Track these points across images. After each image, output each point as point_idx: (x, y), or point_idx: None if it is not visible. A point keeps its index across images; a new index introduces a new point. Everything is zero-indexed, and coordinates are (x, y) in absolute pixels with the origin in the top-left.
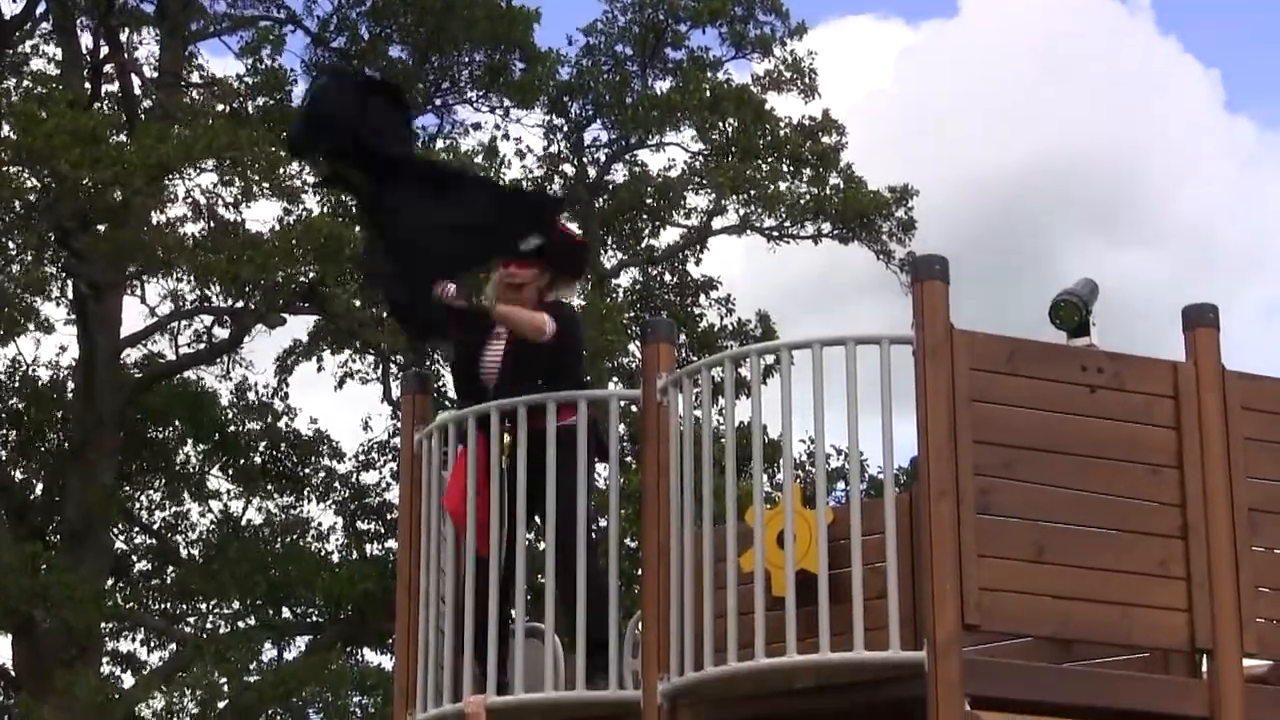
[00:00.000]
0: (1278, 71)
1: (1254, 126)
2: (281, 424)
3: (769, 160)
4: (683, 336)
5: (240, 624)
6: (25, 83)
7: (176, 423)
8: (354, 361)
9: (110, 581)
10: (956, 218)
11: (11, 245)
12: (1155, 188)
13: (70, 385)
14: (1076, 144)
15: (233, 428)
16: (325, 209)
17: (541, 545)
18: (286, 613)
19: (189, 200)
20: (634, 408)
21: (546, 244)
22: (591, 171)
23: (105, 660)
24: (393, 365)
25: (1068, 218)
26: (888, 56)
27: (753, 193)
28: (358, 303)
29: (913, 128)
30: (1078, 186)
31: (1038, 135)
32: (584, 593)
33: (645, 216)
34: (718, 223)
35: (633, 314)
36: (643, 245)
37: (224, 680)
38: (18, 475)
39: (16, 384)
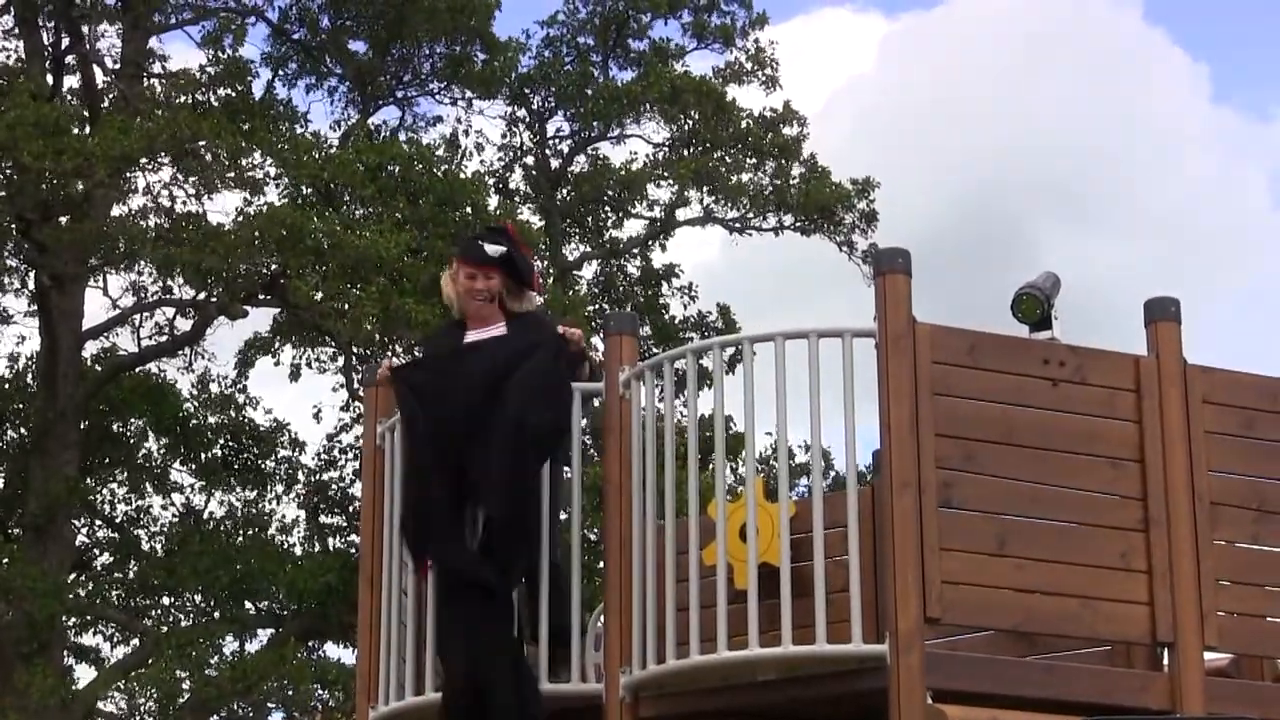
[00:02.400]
0: (1264, 64)
1: (1239, 118)
2: (243, 416)
3: (731, 152)
4: (645, 328)
5: (203, 618)
6: None
7: (138, 416)
8: (313, 349)
9: (72, 575)
10: (936, 208)
11: None
12: (1140, 178)
13: (31, 378)
14: (1061, 134)
15: (195, 421)
16: (286, 200)
17: None
18: (249, 606)
19: (150, 193)
20: (596, 400)
21: (511, 251)
22: (554, 163)
23: (66, 654)
24: (354, 358)
25: (1051, 207)
26: (867, 47)
27: (715, 184)
28: (319, 295)
29: (892, 118)
30: (1061, 176)
31: (1022, 125)
32: (546, 586)
33: (608, 208)
34: (681, 214)
35: (595, 306)
36: (605, 237)
37: (185, 675)
38: None
39: None
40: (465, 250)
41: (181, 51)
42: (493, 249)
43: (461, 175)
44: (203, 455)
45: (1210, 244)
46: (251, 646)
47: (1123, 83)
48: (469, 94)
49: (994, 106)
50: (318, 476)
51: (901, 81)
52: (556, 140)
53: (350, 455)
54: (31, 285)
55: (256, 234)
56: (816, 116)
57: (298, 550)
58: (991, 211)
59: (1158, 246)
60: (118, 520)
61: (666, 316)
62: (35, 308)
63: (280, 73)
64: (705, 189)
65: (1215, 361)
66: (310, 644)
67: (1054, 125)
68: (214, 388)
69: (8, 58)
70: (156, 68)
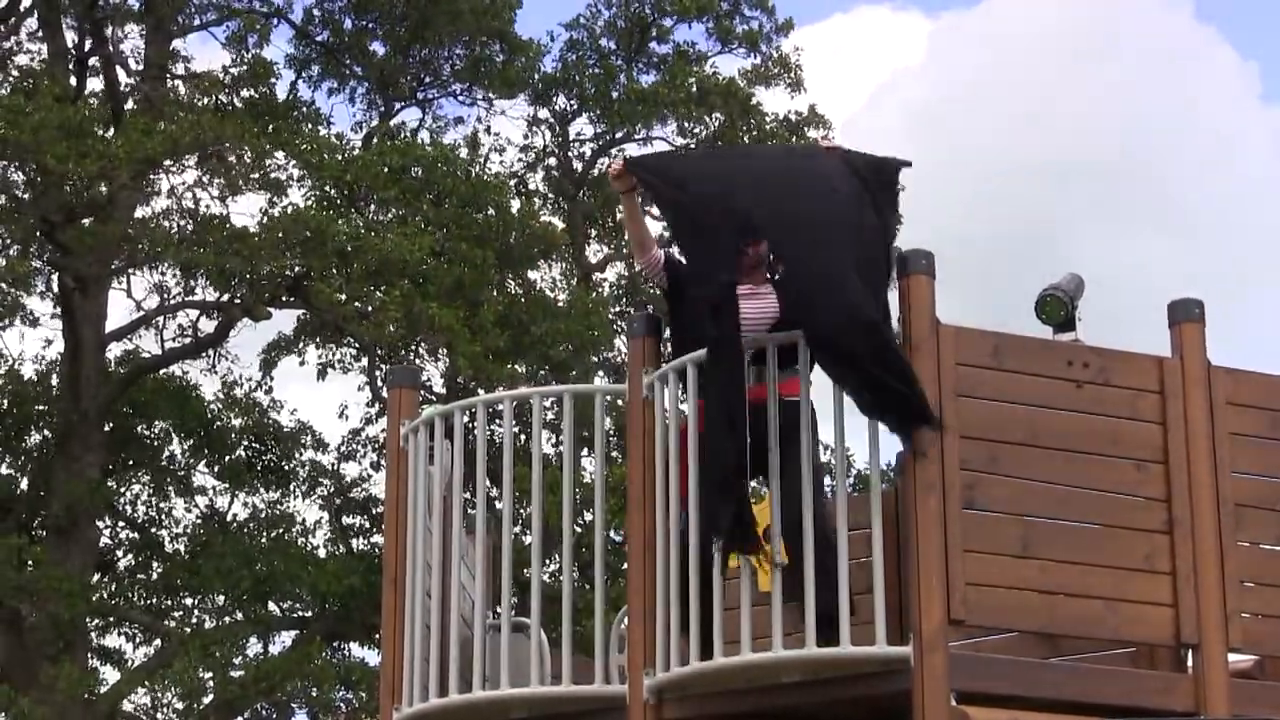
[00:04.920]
0: None
1: None
2: (266, 417)
3: None
4: (668, 330)
5: (225, 619)
6: (11, 76)
7: (162, 418)
8: (336, 352)
9: (95, 576)
10: (977, 204)
11: None
12: (1188, 177)
13: (55, 379)
14: (1109, 132)
15: (218, 422)
16: (310, 201)
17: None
18: (273, 608)
19: (174, 194)
20: (620, 402)
21: None
22: (577, 165)
23: (90, 655)
24: (377, 359)
25: (1095, 206)
26: (906, 45)
27: None
28: (342, 297)
29: (934, 115)
30: (1107, 174)
31: (1068, 123)
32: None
33: None
34: None
35: (618, 309)
36: (628, 239)
37: (208, 675)
38: (2, 469)
39: (1, 378)
40: None
41: (206, 53)
42: None
43: (485, 176)
44: (226, 457)
45: (1262, 243)
46: (275, 648)
47: (1172, 80)
48: (491, 95)
49: (1040, 105)
50: (340, 474)
51: (943, 79)
52: (578, 143)
53: (371, 449)
54: (55, 287)
55: (280, 236)
56: (857, 114)
57: (321, 552)
58: (1035, 209)
59: (1205, 246)
60: (141, 521)
61: None
62: (59, 310)
63: (303, 75)
64: None
65: (1264, 362)
66: (334, 645)
67: (1101, 124)
68: (237, 390)
69: (31, 60)
70: (180, 69)
